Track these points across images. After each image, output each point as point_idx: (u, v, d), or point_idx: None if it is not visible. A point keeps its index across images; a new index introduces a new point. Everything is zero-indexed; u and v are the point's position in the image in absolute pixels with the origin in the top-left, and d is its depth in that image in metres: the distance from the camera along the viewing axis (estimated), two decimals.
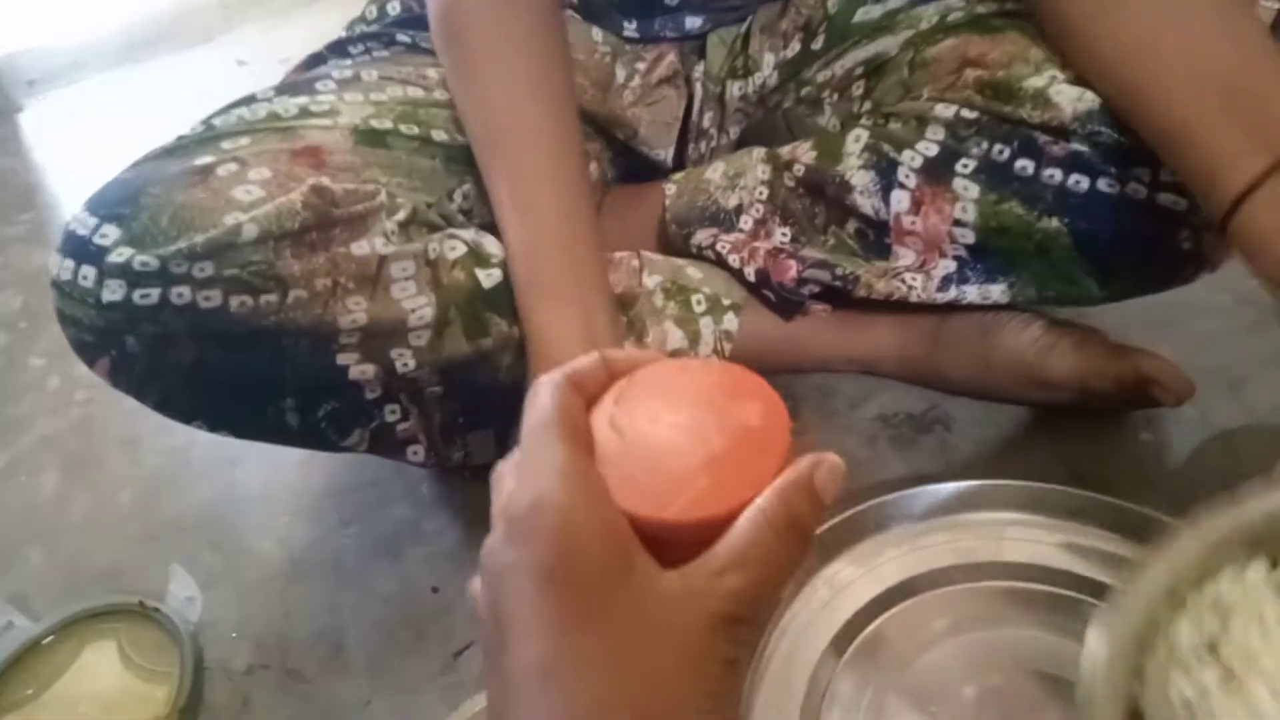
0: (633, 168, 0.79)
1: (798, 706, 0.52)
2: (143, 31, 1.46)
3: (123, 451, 0.77)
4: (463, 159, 0.63)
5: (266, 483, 0.72)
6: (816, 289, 0.65)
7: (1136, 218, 0.55)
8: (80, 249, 0.49)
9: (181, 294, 0.48)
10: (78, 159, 1.21)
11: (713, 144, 0.80)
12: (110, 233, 0.49)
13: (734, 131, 0.80)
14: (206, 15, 1.47)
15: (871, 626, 0.55)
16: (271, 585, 0.65)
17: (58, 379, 0.86)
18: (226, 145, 0.54)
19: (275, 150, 0.54)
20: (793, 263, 0.64)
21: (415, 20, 0.70)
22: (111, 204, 0.50)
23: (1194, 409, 0.65)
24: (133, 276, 0.48)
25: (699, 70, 0.75)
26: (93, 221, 0.50)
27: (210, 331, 0.49)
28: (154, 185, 0.51)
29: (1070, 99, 0.55)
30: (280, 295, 0.50)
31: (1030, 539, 0.58)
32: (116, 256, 0.48)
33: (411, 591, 0.63)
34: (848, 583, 0.57)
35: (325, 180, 0.53)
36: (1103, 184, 0.55)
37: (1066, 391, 0.63)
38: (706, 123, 0.78)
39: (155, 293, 0.48)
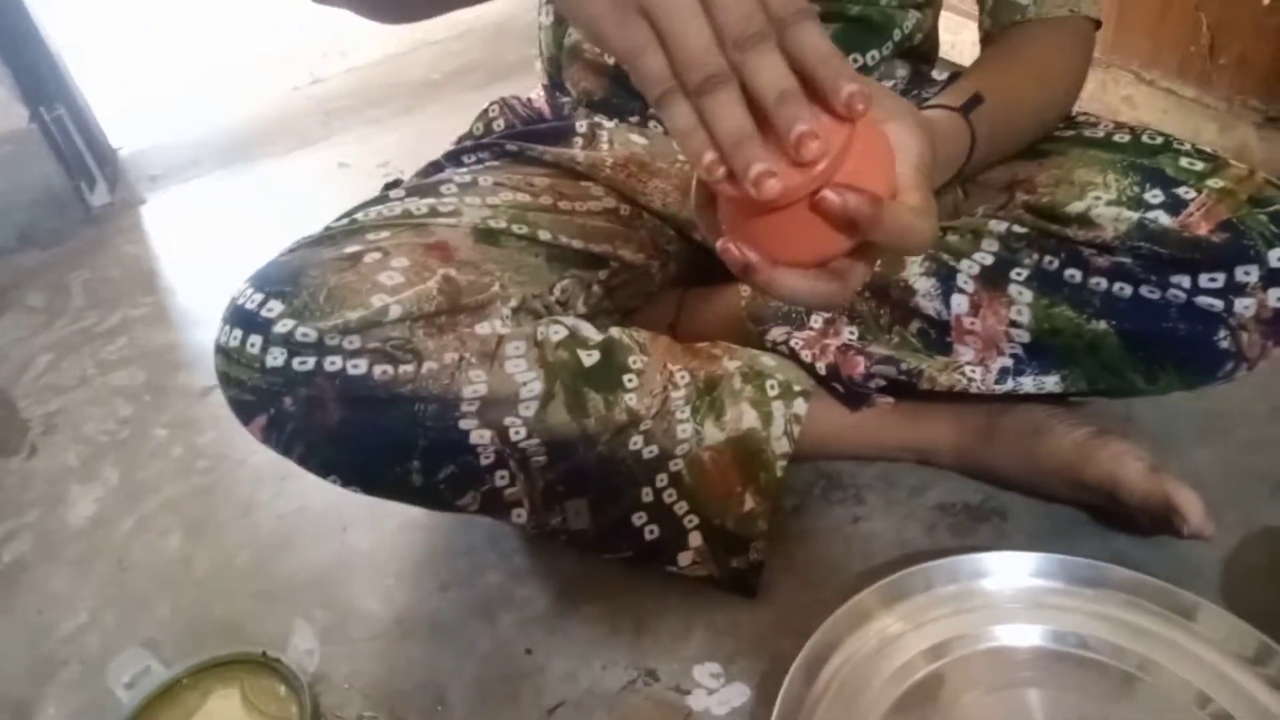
0: (701, 269, 0.86)
1: None
2: (251, 134, 1.61)
3: (241, 517, 0.85)
4: (561, 257, 0.72)
5: (372, 548, 0.79)
6: (883, 383, 0.71)
7: (1178, 319, 0.61)
8: (248, 320, 0.58)
9: (334, 362, 0.57)
10: (194, 248, 1.33)
11: None
12: (275, 307, 0.58)
13: None
14: (307, 121, 1.62)
15: (916, 678, 0.61)
16: (378, 642, 0.71)
17: (180, 448, 0.95)
18: (370, 237, 0.64)
19: (411, 243, 0.63)
20: (861, 359, 0.70)
21: (520, 134, 0.80)
22: (275, 282, 0.59)
23: (1236, 509, 0.70)
24: (294, 346, 0.57)
25: None
26: (259, 297, 0.59)
27: (355, 395, 0.57)
28: (312, 268, 0.60)
29: (1110, 219, 0.62)
30: (416, 366, 0.58)
31: (1067, 607, 0.64)
32: (281, 327, 0.57)
33: (506, 652, 0.69)
34: (896, 636, 0.63)
35: (453, 271, 0.62)
36: (1145, 290, 0.61)
37: (1100, 496, 0.68)
38: None
39: (312, 360, 0.57)
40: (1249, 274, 0.59)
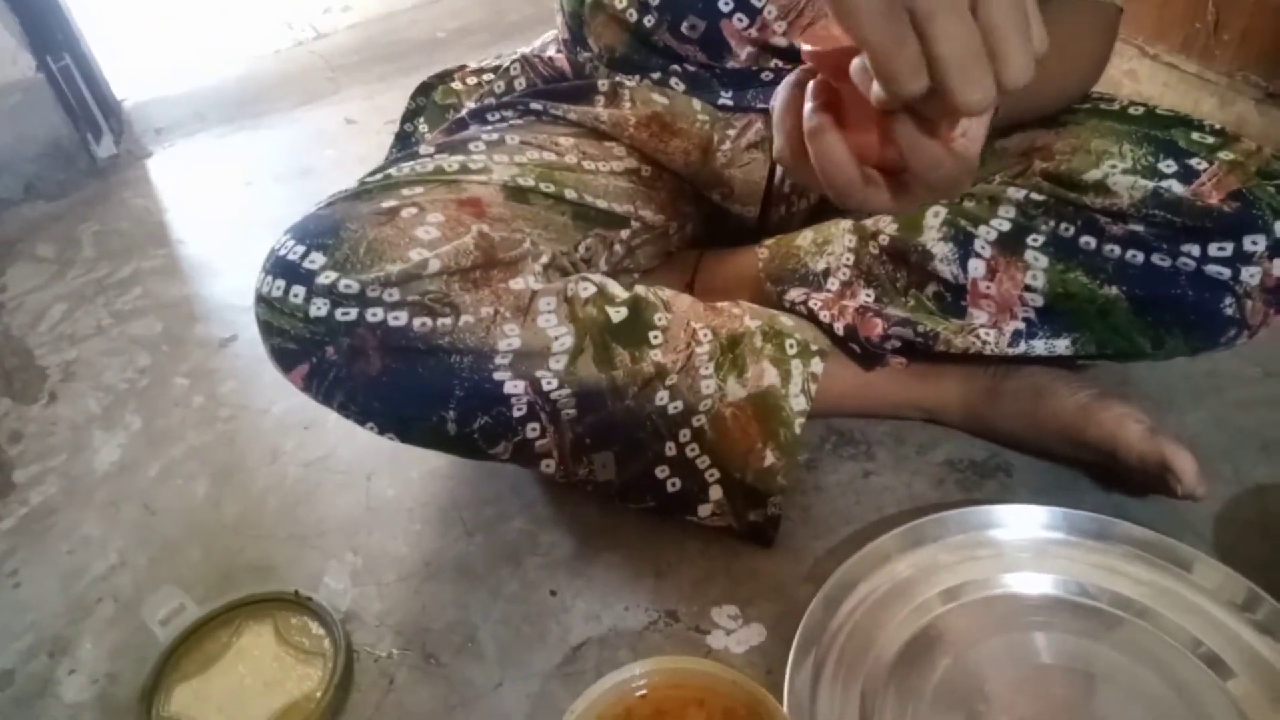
0: (718, 232, 0.89)
1: (859, 683, 0.61)
2: (258, 89, 1.60)
3: (267, 464, 0.87)
4: (586, 216, 0.74)
5: (398, 495, 0.82)
6: (898, 344, 0.74)
7: (1187, 286, 0.64)
8: (291, 271, 0.60)
9: (375, 313, 0.59)
10: (202, 201, 1.33)
11: (793, 209, 0.89)
12: (317, 259, 0.59)
13: (813, 198, 0.90)
14: (313, 77, 1.61)
15: (927, 619, 0.65)
16: (408, 583, 0.74)
17: (202, 397, 0.96)
18: (405, 192, 0.65)
19: (445, 199, 0.65)
20: (879, 320, 0.73)
21: (543, 92, 0.82)
22: (316, 234, 0.61)
23: (1229, 466, 0.74)
24: (336, 297, 0.58)
25: None
26: (300, 249, 0.60)
27: (394, 346, 0.59)
28: (351, 221, 0.61)
29: (1126, 187, 0.64)
30: (454, 319, 0.60)
31: (1072, 557, 0.67)
32: (324, 279, 0.58)
33: (533, 594, 0.72)
34: (908, 581, 0.66)
35: (486, 227, 0.63)
36: (1156, 258, 0.64)
37: (1100, 455, 0.71)
38: (787, 188, 0.88)
39: (354, 311, 0.58)
40: (1256, 243, 0.61)
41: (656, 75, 0.81)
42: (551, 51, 0.89)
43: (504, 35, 1.65)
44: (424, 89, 0.91)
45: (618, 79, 0.81)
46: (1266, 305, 0.63)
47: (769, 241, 0.82)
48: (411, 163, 0.71)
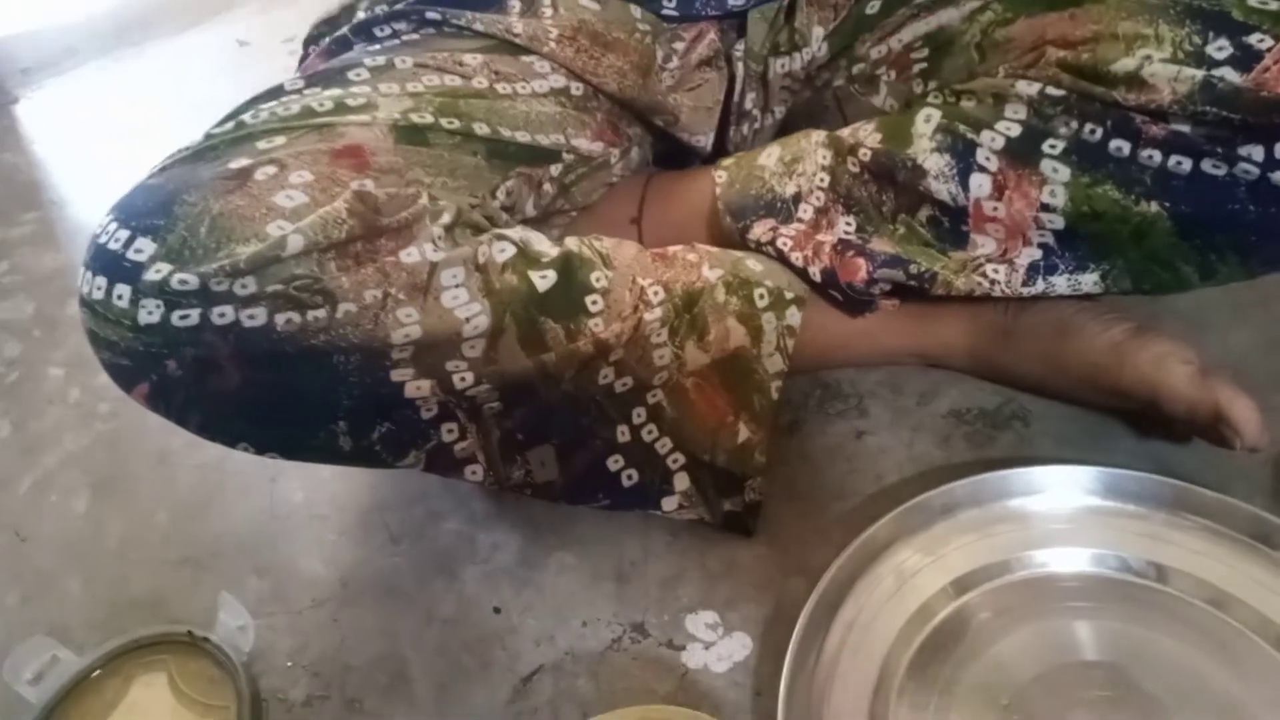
0: (669, 151, 0.75)
1: (868, 701, 0.51)
2: (136, 13, 1.41)
3: (155, 469, 0.74)
4: (504, 153, 0.60)
5: (309, 499, 0.70)
6: (887, 287, 0.61)
7: (1247, 199, 0.51)
8: (112, 265, 0.46)
9: (224, 314, 0.45)
10: (80, 151, 1.17)
11: (756, 126, 0.77)
12: (145, 247, 0.46)
13: (779, 112, 0.77)
14: None
15: (940, 616, 0.54)
16: (324, 609, 0.63)
17: (79, 390, 0.83)
18: (262, 145, 0.51)
19: (314, 151, 0.51)
20: (862, 261, 0.60)
21: None
22: (143, 214, 0.47)
23: None
24: (171, 296, 0.45)
25: (740, 48, 0.72)
26: (124, 234, 0.46)
27: (256, 352, 0.46)
28: (188, 192, 0.47)
29: (1167, 79, 0.51)
30: (329, 310, 0.46)
31: (1109, 526, 0.56)
32: (153, 274, 0.45)
33: (472, 613, 0.61)
34: (915, 571, 0.56)
35: (369, 185, 0.50)
36: (1207, 165, 0.51)
37: (1138, 402, 0.60)
38: (749, 104, 0.75)
39: (195, 313, 0.45)
40: None
41: None
42: None
43: None
44: (328, 20, 0.74)
45: None
46: None
47: (727, 162, 0.69)
48: (272, 103, 0.56)
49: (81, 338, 0.67)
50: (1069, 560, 0.55)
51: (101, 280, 0.46)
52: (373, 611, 0.62)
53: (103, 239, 0.47)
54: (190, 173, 0.49)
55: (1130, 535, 0.55)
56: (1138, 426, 0.63)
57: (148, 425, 0.77)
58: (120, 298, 0.45)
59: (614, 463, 0.56)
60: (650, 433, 0.56)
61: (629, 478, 0.57)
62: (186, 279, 0.44)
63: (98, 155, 1.14)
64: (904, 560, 0.56)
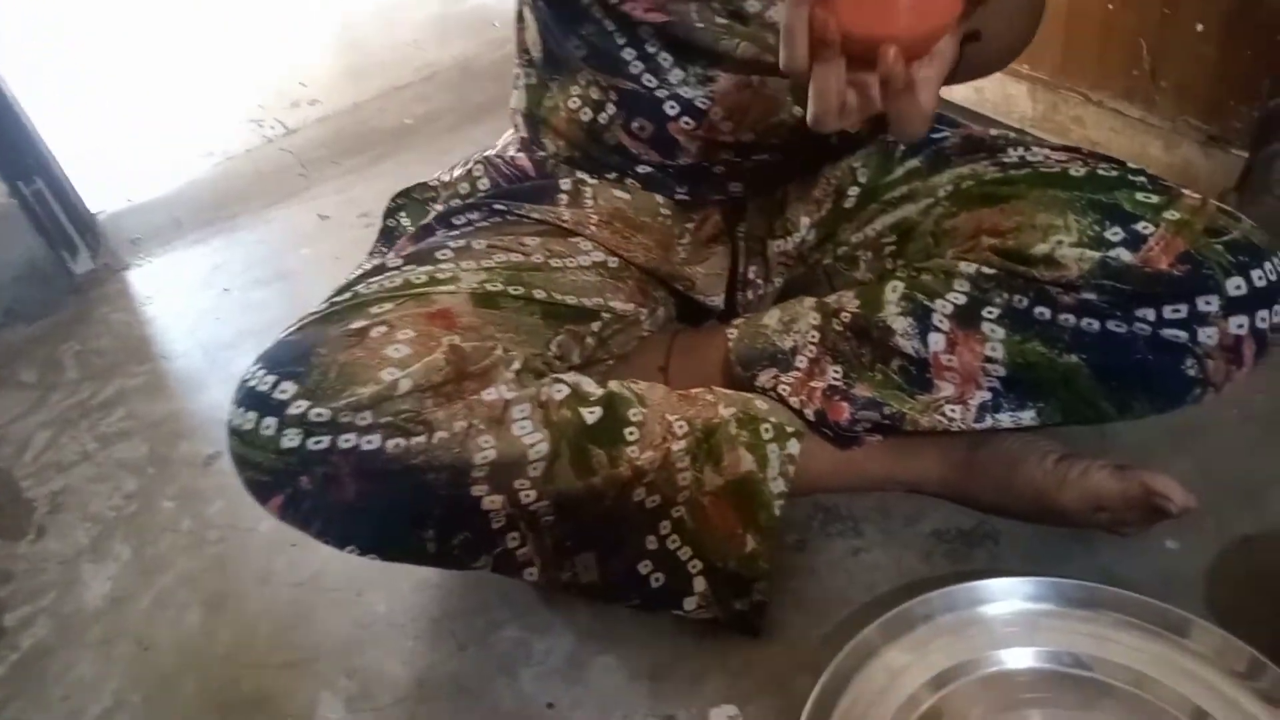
0: (690, 310, 0.89)
1: None
2: (228, 189, 1.62)
3: (258, 587, 0.86)
4: (556, 314, 0.75)
5: (389, 611, 0.81)
6: (869, 425, 0.74)
7: (1145, 350, 0.64)
8: (261, 402, 0.60)
9: (348, 439, 0.59)
10: (184, 312, 1.33)
11: (760, 292, 0.90)
12: (288, 389, 0.60)
13: (779, 281, 0.90)
14: (284, 174, 1.63)
15: (923, 709, 0.64)
16: (403, 706, 0.73)
17: (189, 520, 0.96)
18: (374, 310, 0.66)
19: (414, 314, 0.66)
20: (846, 405, 0.73)
21: (506, 193, 0.83)
22: (285, 362, 0.61)
23: (1212, 519, 0.74)
24: (308, 426, 0.59)
25: (742, 229, 0.87)
26: (271, 379, 0.61)
27: (369, 470, 0.59)
28: (321, 346, 0.62)
29: (1074, 260, 0.65)
30: (427, 437, 0.60)
31: (1061, 628, 0.67)
32: (295, 409, 0.59)
33: (529, 708, 0.71)
34: (902, 668, 0.66)
35: (457, 339, 0.64)
36: (1112, 325, 0.64)
37: (1082, 517, 0.71)
38: (752, 274, 0.89)
39: (327, 439, 0.59)
40: (1210, 304, 0.62)
41: (613, 175, 0.82)
42: (513, 151, 0.90)
43: (470, 118, 1.68)
44: (403, 193, 0.92)
45: (579, 176, 0.83)
46: (1228, 363, 0.64)
47: (738, 321, 0.83)
48: (379, 278, 0.71)
49: (191, 473, 0.82)
50: (1028, 657, 0.66)
51: (252, 414, 0.60)
52: (444, 706, 0.72)
53: (251, 382, 0.61)
54: (320, 331, 0.64)
55: (1079, 635, 0.66)
56: (1091, 542, 0.74)
57: (251, 548, 0.91)
58: (267, 428, 0.59)
59: (644, 567, 0.68)
60: (674, 542, 0.68)
61: (656, 580, 0.68)
62: (322, 412, 0.59)
63: (199, 315, 1.31)
64: (892, 659, 0.67)
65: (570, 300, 0.76)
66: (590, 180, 0.83)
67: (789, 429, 0.74)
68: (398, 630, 0.80)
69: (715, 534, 0.69)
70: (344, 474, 0.59)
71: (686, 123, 0.76)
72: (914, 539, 0.78)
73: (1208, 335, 0.63)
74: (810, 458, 0.75)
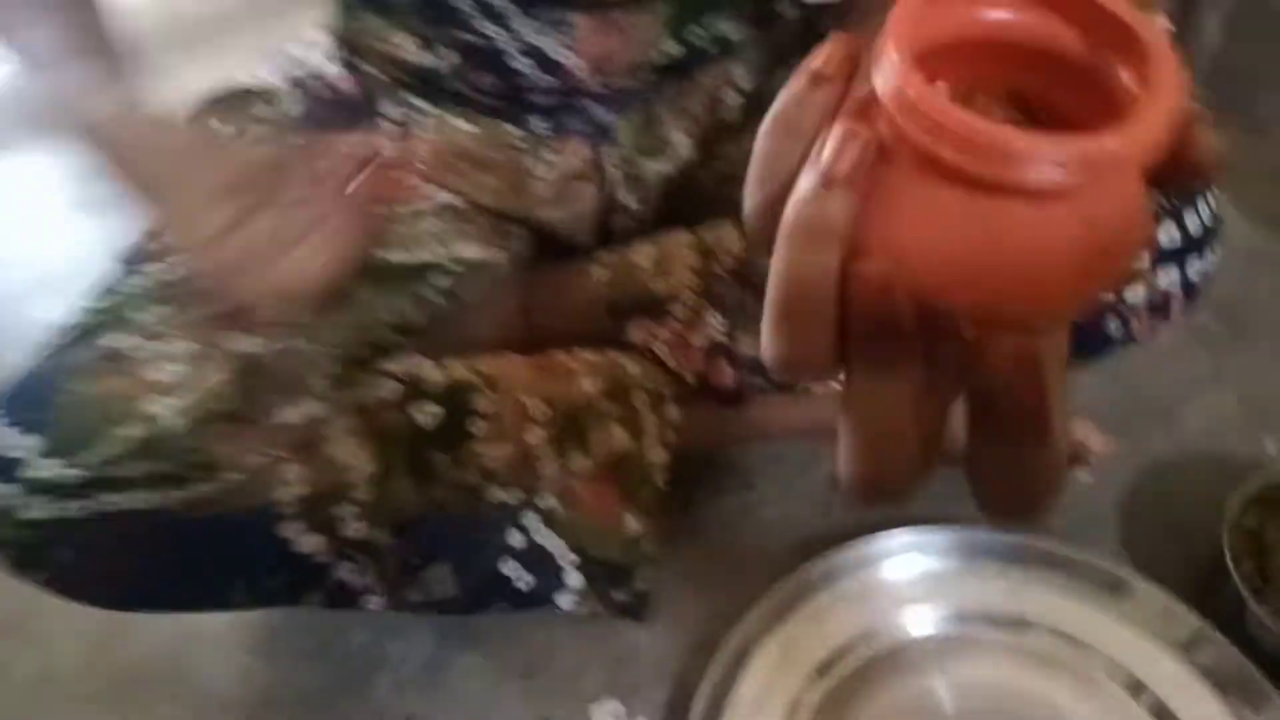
0: (551, 249, 0.77)
1: None
2: None
3: (60, 605, 0.74)
4: (388, 276, 0.62)
5: (216, 620, 0.70)
6: (756, 387, 0.65)
7: None
8: None
9: (113, 500, 0.47)
10: None
11: (639, 218, 0.79)
12: (27, 443, 0.47)
13: (654, 202, 0.80)
14: None
15: (825, 685, 0.58)
16: None
17: None
18: (137, 319, 0.52)
19: (195, 316, 0.52)
20: (730, 367, 0.64)
21: (313, 119, 0.68)
22: (23, 407, 0.48)
23: (1126, 442, 0.68)
24: (59, 490, 0.46)
25: (613, 153, 0.75)
26: (9, 433, 0.48)
27: (144, 533, 0.48)
28: (67, 380, 0.49)
29: None
30: (214, 481, 0.48)
31: (971, 585, 0.61)
32: (39, 471, 0.46)
33: None
34: (799, 639, 0.60)
35: (251, 344, 0.51)
36: None
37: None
38: (623, 198, 0.78)
39: (84, 504, 0.47)
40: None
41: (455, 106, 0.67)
42: (330, 68, 0.74)
43: None
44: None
45: (413, 101, 0.68)
46: (1153, 318, 0.59)
47: (608, 259, 0.72)
48: (150, 265, 0.56)
49: None
50: (935, 619, 0.60)
51: None
52: None
53: None
54: (67, 358, 0.50)
55: (988, 592, 0.60)
56: None
57: None
58: (6, 498, 0.46)
59: (509, 569, 0.58)
60: (543, 536, 0.59)
61: (525, 583, 0.59)
62: (71, 472, 0.46)
63: None
64: (789, 631, 0.60)
65: (402, 257, 0.63)
66: (426, 108, 0.68)
67: (667, 392, 0.64)
68: (229, 643, 0.69)
69: (592, 520, 0.60)
70: (113, 540, 0.48)
71: (540, 78, 0.62)
72: (809, 488, 0.71)
73: (1134, 295, 0.57)
74: (695, 418, 0.66)
